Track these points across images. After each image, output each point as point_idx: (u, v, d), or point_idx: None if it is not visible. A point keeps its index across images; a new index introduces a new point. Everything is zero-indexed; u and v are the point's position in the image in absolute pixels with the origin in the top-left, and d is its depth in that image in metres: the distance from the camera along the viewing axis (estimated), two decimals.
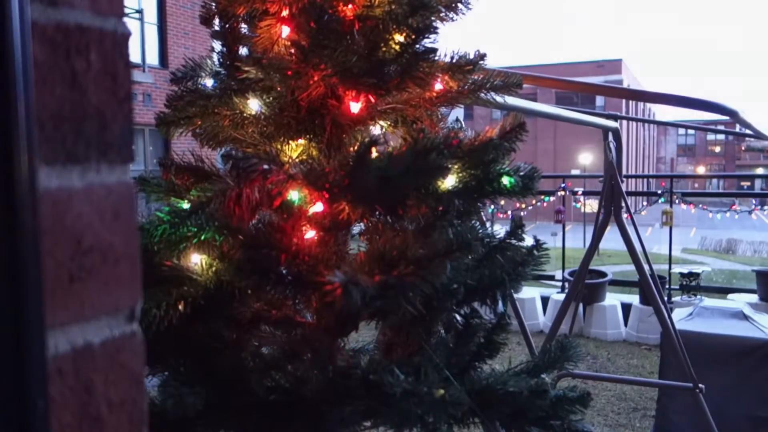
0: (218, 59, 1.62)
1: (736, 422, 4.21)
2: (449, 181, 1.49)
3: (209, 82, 1.61)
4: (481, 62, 1.58)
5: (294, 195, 1.43)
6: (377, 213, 1.40)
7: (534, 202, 9.28)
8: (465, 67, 1.52)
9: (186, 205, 1.38)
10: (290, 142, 1.62)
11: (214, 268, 1.41)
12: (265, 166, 1.29)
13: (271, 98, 1.51)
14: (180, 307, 1.35)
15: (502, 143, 1.49)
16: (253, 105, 1.52)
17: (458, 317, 1.60)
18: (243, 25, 1.61)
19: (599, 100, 35.49)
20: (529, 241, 1.77)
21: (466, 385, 1.36)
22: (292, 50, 1.53)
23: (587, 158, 36.30)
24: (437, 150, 1.27)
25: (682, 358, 3.69)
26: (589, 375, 5.09)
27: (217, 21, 1.60)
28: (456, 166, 1.46)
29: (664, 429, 4.57)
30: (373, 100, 1.49)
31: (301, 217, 1.42)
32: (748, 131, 3.99)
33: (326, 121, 1.54)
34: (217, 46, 1.62)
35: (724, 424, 3.86)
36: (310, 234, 1.46)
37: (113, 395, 0.66)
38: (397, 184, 1.29)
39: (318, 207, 1.37)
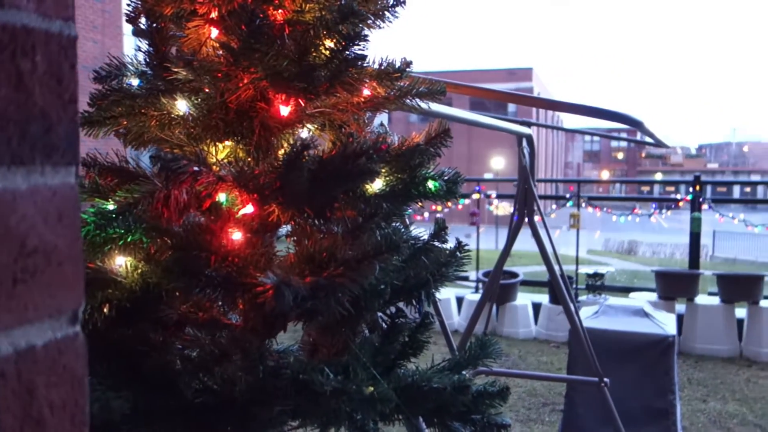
0: (144, 58, 1.60)
1: (637, 413, 4.46)
2: (377, 185, 1.53)
3: (134, 82, 1.58)
4: (408, 70, 1.63)
5: (223, 197, 1.43)
6: (306, 215, 1.42)
7: (449, 204, 9.49)
8: (393, 74, 1.57)
9: (111, 207, 1.36)
10: (217, 143, 1.61)
11: (140, 270, 1.40)
12: (195, 168, 1.29)
13: (199, 99, 1.51)
14: (105, 309, 1.33)
15: (428, 148, 1.55)
16: (181, 106, 1.51)
17: (383, 317, 1.64)
18: (171, 25, 1.59)
19: (511, 107, 36.58)
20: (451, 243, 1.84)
21: (393, 382, 1.40)
22: (221, 52, 1.53)
23: (499, 162, 37.36)
24: (367, 154, 1.30)
25: (589, 354, 3.88)
26: (502, 372, 5.25)
27: (143, 20, 1.58)
28: (384, 170, 1.50)
29: (571, 422, 4.78)
30: (302, 103, 1.51)
31: (230, 219, 1.43)
32: (649, 139, 4.25)
33: (255, 124, 1.55)
34: (143, 44, 1.60)
35: (626, 416, 4.08)
36: (237, 236, 1.46)
37: (55, 397, 0.66)
38: (327, 187, 1.32)
39: (248, 209, 1.38)
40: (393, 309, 1.62)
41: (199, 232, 1.33)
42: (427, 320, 1.62)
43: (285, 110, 1.52)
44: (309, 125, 1.66)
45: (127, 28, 1.76)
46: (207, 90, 1.51)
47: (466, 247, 1.81)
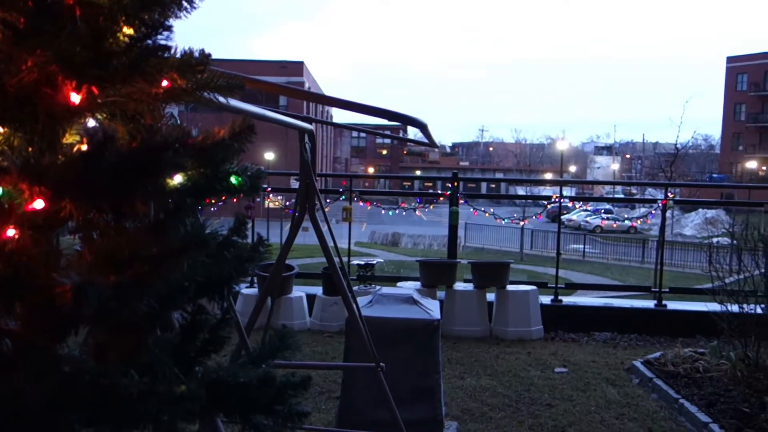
0: None
1: (407, 394, 4.79)
2: (177, 179, 1.49)
3: None
4: (209, 62, 1.60)
5: (0, 190, 1.29)
6: (104, 211, 1.34)
7: (224, 197, 9.29)
8: (196, 65, 1.53)
9: None
10: None
11: None
12: None
13: None
14: None
15: (233, 144, 1.53)
16: None
17: (183, 314, 1.60)
18: None
19: (282, 100, 36.83)
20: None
21: (198, 380, 1.38)
22: None
23: (270, 155, 37.51)
24: (172, 147, 1.27)
25: (366, 341, 4.08)
26: (284, 363, 5.31)
27: None
28: (186, 164, 1.46)
29: (348, 407, 4.99)
30: (95, 91, 1.41)
31: (12, 215, 1.30)
32: (417, 137, 4.58)
33: (38, 111, 1.42)
34: None
35: (398, 397, 4.35)
36: (22, 233, 1.33)
37: None
38: (129, 181, 1.25)
39: (38, 204, 1.26)
40: (194, 306, 1.59)
41: None
42: (228, 316, 1.62)
43: (75, 98, 1.41)
44: (99, 114, 1.56)
45: None
46: None
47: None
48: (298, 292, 8.78)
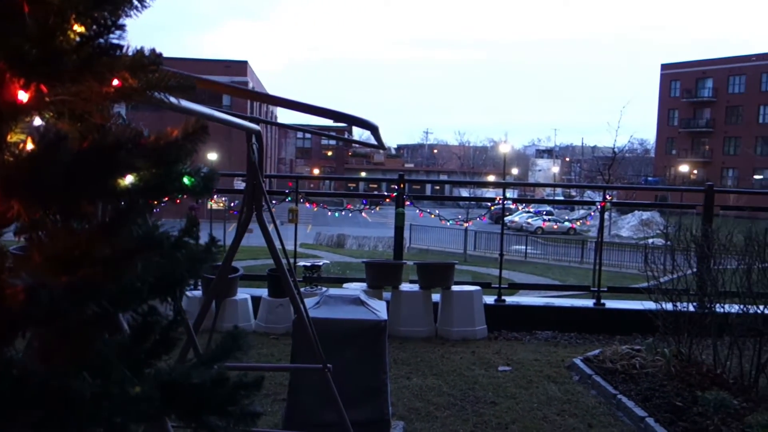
0: None
1: (355, 394, 4.80)
2: (128, 179, 1.47)
3: None
4: (161, 61, 1.58)
5: None
6: (54, 211, 1.31)
7: (167, 198, 9.11)
8: (149, 65, 1.52)
9: None
10: None
11: None
12: None
13: None
14: None
15: (186, 144, 1.53)
16: None
17: (134, 316, 1.58)
18: None
19: (226, 99, 36.35)
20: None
21: (152, 381, 1.37)
22: None
23: (213, 156, 36.99)
24: (125, 147, 1.26)
25: (313, 342, 4.08)
26: (232, 366, 5.25)
27: None
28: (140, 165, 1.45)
29: (295, 409, 4.97)
30: (44, 90, 1.39)
31: None
32: (368, 140, 4.61)
33: None
34: None
35: (345, 397, 4.36)
36: None
37: None
38: (81, 181, 1.24)
39: None
40: (146, 307, 1.57)
41: None
42: (179, 317, 1.60)
43: (23, 96, 1.39)
44: (46, 113, 1.53)
45: None
46: None
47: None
48: (243, 294, 8.69)
